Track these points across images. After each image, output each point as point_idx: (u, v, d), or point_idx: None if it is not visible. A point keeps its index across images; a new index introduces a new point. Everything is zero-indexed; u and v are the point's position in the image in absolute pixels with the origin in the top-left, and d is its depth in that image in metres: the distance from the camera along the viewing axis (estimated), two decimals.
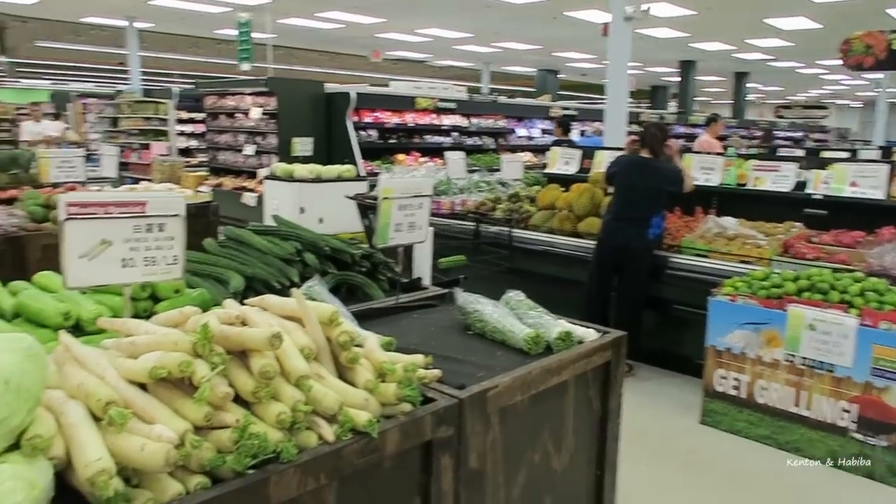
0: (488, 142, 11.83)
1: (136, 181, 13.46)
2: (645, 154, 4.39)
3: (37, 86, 30.47)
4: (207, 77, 22.16)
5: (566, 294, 4.78)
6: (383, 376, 1.61)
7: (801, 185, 4.52)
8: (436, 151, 11.12)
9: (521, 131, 12.59)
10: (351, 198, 5.55)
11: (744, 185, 4.72)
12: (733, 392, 3.53)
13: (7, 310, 2.04)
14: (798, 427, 3.34)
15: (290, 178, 8.64)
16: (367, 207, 4.28)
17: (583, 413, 2.16)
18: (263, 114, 9.62)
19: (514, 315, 2.32)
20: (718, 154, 5.11)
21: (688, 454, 3.45)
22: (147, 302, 2.21)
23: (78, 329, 1.96)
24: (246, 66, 12.18)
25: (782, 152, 9.10)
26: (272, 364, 1.38)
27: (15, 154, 6.10)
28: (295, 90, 9.49)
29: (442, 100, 10.82)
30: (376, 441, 1.47)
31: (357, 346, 1.78)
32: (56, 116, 14.57)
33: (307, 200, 8.31)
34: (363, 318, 2.42)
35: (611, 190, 4.56)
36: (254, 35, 13.70)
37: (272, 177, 8.82)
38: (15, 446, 1.12)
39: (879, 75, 19.82)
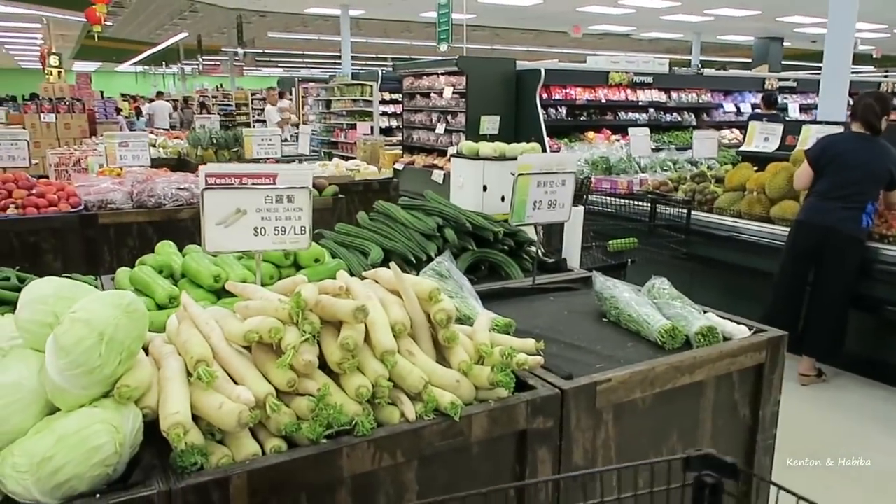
0: (689, 118, 10.99)
1: (345, 159, 14.58)
2: (858, 128, 3.76)
3: (272, 74, 34.18)
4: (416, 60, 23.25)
5: (751, 286, 4.32)
6: (482, 359, 1.55)
7: None
8: (629, 128, 10.61)
9: (729, 106, 11.51)
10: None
11: None
12: None
13: (176, 270, 2.28)
14: None
15: (475, 156, 8.77)
16: None
17: (725, 419, 1.92)
18: (454, 93, 9.83)
19: (653, 305, 2.11)
20: None
21: (877, 479, 2.93)
22: (290, 269, 2.34)
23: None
24: (444, 47, 12.53)
25: None
26: (354, 336, 1.38)
27: (237, 134, 6.90)
28: (485, 69, 9.57)
29: (637, 74, 10.23)
30: (460, 424, 1.41)
31: (466, 324, 1.74)
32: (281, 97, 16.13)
33: (490, 178, 8.36)
34: (497, 298, 2.37)
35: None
36: (454, 16, 14.05)
37: (458, 154, 9.02)
38: (110, 393, 1.23)
39: None
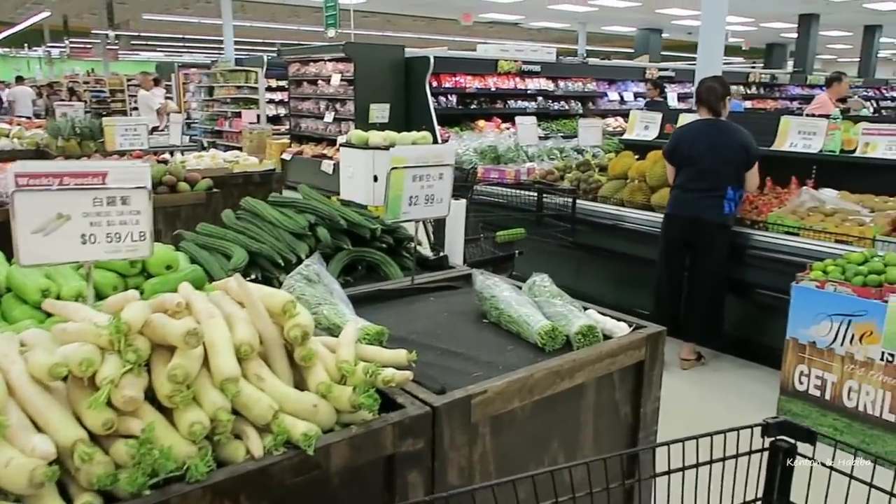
0: (576, 106, 11.24)
1: (227, 149, 13.90)
2: (704, 114, 3.86)
3: (152, 58, 32.18)
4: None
5: (636, 273, 4.40)
6: (344, 378, 1.39)
7: None
8: (517, 117, 10.71)
9: (613, 95, 11.89)
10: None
11: (851, 151, 4.10)
12: (816, 392, 3.07)
13: (0, 282, 1.97)
14: (894, 437, 2.86)
15: (364, 146, 8.55)
16: None
17: (606, 421, 1.86)
18: (342, 80, 9.54)
19: (534, 304, 2.02)
20: (822, 116, 4.47)
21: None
22: (138, 278, 2.08)
23: None
24: (332, 33, 12.16)
25: None
26: (184, 365, 1.18)
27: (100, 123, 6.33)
28: (373, 56, 9.34)
29: (526, 62, 10.34)
30: (316, 457, 1.25)
31: (336, 334, 1.57)
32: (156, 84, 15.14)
33: (380, 168, 8.18)
34: (372, 301, 2.21)
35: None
36: (343, 1, 13.67)
37: (347, 144, 8.76)
38: None
39: None
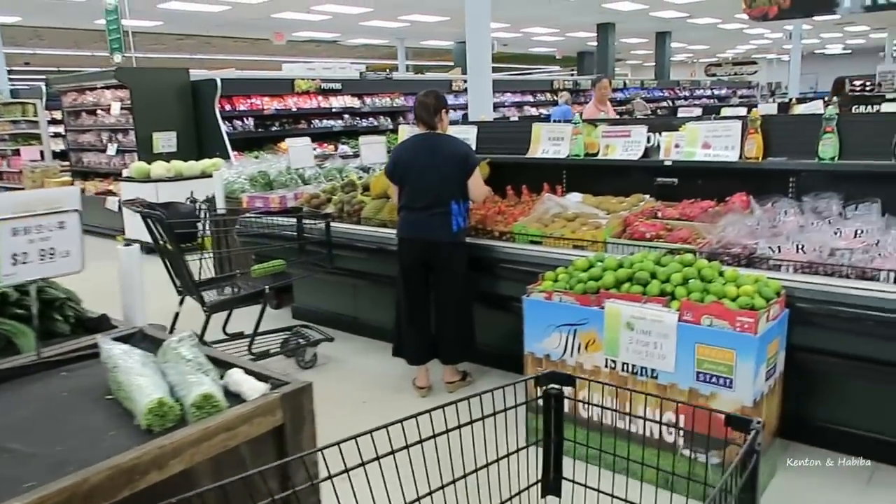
0: (386, 122, 11.13)
1: (11, 191, 12.40)
2: (421, 129, 3.77)
3: None
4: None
5: (383, 295, 4.21)
6: None
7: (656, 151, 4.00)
8: (328, 136, 10.40)
9: None
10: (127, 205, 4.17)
11: (595, 154, 4.17)
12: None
13: None
14: (625, 444, 2.82)
15: (146, 179, 7.85)
16: (147, 218, 3.54)
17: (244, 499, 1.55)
18: (123, 108, 8.73)
19: (160, 371, 1.69)
20: (566, 122, 4.55)
21: None
22: None
23: None
24: (118, 58, 11.18)
25: (683, 113, 8.63)
26: None
27: None
28: (152, 80, 8.62)
29: (326, 80, 10.06)
30: None
31: None
32: None
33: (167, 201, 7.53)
34: None
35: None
36: (134, 23, 12.68)
37: (128, 178, 8.00)
38: None
39: (789, 26, 19.73)
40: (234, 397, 1.66)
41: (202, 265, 3.69)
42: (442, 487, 1.36)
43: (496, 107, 14.00)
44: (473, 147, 4.77)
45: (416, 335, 3.78)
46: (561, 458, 1.63)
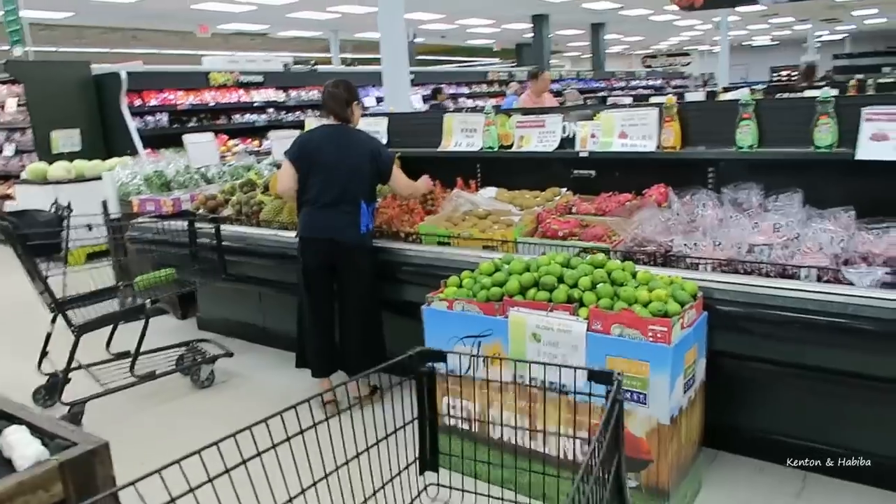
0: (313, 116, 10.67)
1: None
2: (330, 121, 3.46)
3: None
4: None
5: (291, 303, 3.86)
6: None
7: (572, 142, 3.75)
8: (250, 132, 9.89)
9: (370, 101, 11.49)
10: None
11: (509, 146, 3.90)
12: (465, 425, 2.71)
13: None
14: (538, 465, 2.56)
15: (44, 181, 7.24)
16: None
17: None
18: (19, 105, 8.05)
19: None
20: (478, 111, 4.26)
21: None
22: None
23: None
24: (18, 51, 10.35)
25: (611, 100, 8.48)
26: None
27: None
28: (49, 74, 7.97)
29: (245, 73, 9.55)
30: None
31: None
32: None
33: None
34: None
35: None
36: (43, 15, 11.84)
37: (24, 181, 7.37)
38: None
39: (717, 17, 20.06)
40: (7, 464, 1.31)
41: (64, 281, 3.26)
42: (325, 477, 1.33)
43: (428, 99, 13.70)
44: (385, 140, 4.47)
45: (319, 344, 3.46)
46: (437, 435, 1.66)
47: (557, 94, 11.27)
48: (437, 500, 1.66)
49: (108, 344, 3.82)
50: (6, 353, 4.31)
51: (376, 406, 1.50)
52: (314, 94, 10.79)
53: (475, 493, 1.63)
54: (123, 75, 8.00)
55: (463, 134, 4.07)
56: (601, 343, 2.29)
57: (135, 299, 3.64)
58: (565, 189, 3.65)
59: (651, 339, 2.20)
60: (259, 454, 1.18)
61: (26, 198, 7.21)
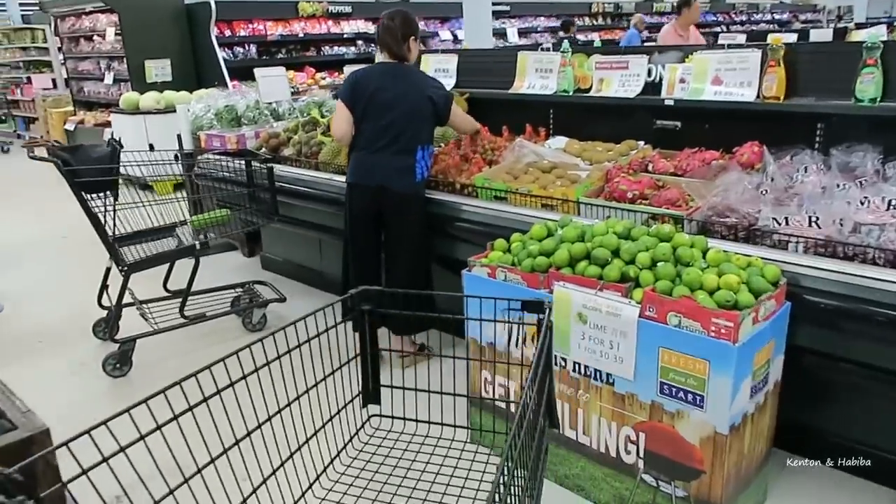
0: None
1: (28, 122, 12.20)
2: (384, 58, 3.16)
3: None
4: None
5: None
6: None
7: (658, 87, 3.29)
8: (339, 64, 9.71)
9: (445, 34, 11.03)
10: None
11: (587, 90, 3.49)
12: (502, 404, 2.48)
13: None
14: (578, 458, 2.30)
15: (135, 111, 7.40)
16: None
17: None
18: (116, 34, 8.23)
19: None
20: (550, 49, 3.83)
21: None
22: None
23: None
24: None
25: (723, 38, 7.58)
26: None
27: None
28: (142, 3, 8.03)
29: (333, 3, 9.30)
30: None
31: None
32: None
33: (156, 135, 7.09)
34: None
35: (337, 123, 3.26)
36: None
37: (117, 110, 7.57)
38: None
39: None
40: None
41: (114, 217, 3.22)
42: (269, 418, 1.43)
43: (527, 32, 12.99)
44: (453, 80, 4.15)
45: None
46: (378, 370, 1.75)
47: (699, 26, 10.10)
48: (380, 429, 1.78)
49: (165, 281, 3.82)
50: (80, 283, 4.45)
51: (323, 346, 1.55)
52: None
53: (416, 421, 1.73)
54: (213, 4, 7.97)
55: (537, 74, 3.68)
56: (654, 332, 1.96)
57: (189, 238, 3.59)
58: (643, 143, 3.22)
59: (713, 334, 1.85)
60: (209, 397, 1.29)
61: (119, 126, 7.43)
